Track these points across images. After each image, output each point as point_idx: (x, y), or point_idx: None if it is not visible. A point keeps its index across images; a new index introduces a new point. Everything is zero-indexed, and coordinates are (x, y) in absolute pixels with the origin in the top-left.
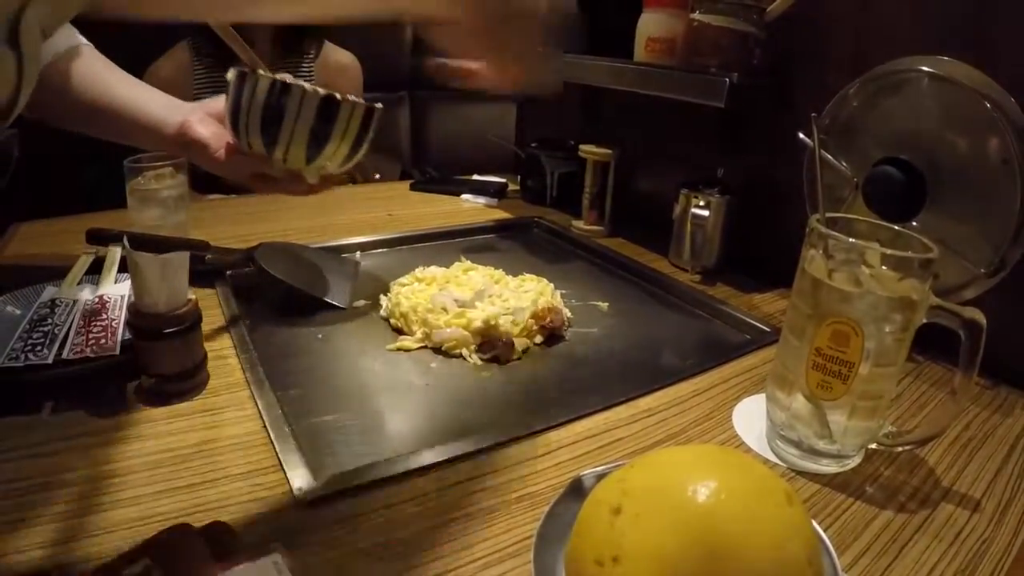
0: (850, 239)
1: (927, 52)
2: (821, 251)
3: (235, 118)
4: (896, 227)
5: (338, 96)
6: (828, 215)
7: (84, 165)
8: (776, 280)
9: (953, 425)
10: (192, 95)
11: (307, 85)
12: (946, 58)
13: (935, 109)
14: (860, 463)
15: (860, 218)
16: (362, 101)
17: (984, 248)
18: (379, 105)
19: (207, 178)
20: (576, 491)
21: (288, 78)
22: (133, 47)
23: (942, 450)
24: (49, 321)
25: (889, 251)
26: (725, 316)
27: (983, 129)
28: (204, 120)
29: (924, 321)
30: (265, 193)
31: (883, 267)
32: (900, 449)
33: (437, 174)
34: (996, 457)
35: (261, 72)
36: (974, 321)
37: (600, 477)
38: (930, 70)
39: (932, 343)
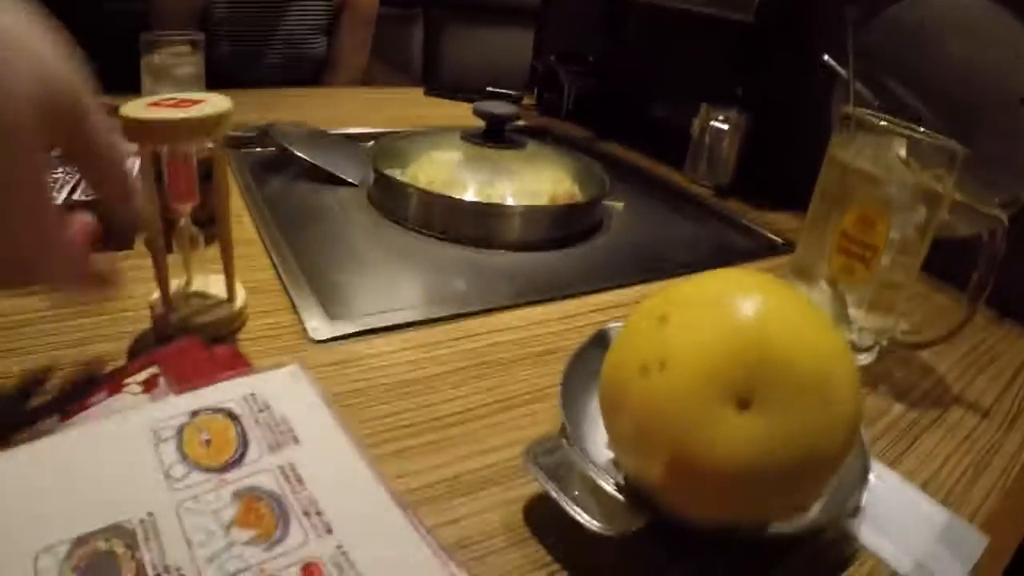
0: (882, 121)
1: None
2: (852, 136)
3: None
4: (921, 128)
5: None
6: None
7: (90, 48)
8: (789, 201)
9: (961, 344)
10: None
11: None
12: None
13: (955, 45)
14: (873, 362)
15: (887, 117)
16: None
17: (999, 186)
18: None
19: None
20: (601, 341)
21: None
22: None
23: (951, 362)
24: (59, 171)
25: (918, 135)
26: (738, 227)
27: (1003, 67)
28: None
29: (947, 217)
30: None
31: (910, 159)
32: (915, 345)
33: None
34: (1003, 376)
35: None
36: (995, 217)
37: None
38: (952, 6)
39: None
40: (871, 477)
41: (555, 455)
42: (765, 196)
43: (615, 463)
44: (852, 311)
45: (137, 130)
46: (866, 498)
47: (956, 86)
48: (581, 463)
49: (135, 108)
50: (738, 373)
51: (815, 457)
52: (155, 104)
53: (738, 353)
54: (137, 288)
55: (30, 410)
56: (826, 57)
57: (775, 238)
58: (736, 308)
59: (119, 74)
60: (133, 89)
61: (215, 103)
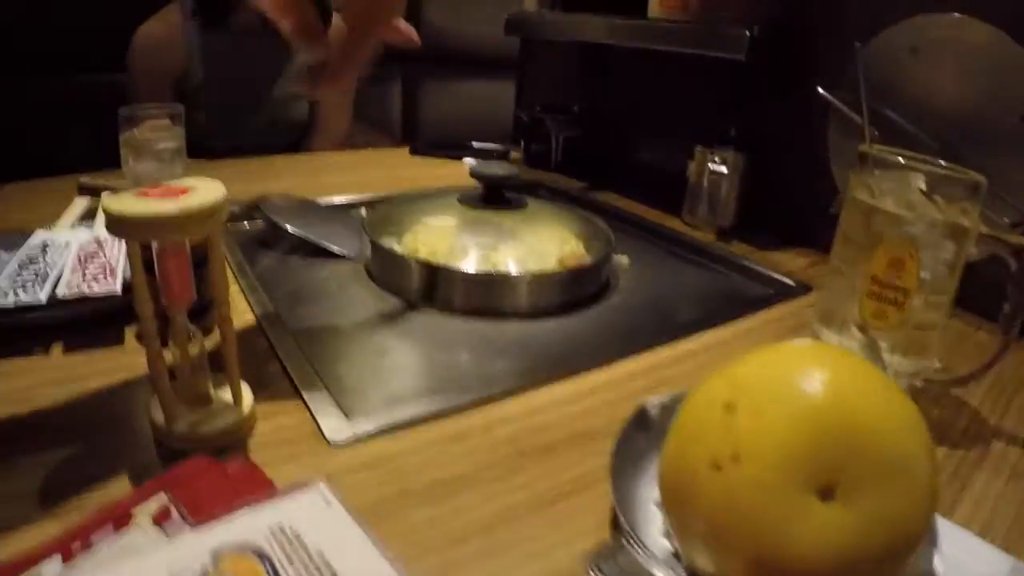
0: (901, 159)
1: (945, 10)
2: (872, 177)
3: None
4: (940, 160)
5: None
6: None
7: (71, 126)
8: (793, 238)
9: (988, 372)
10: (182, 57)
11: None
12: (957, 15)
13: (950, 67)
14: None
15: (903, 152)
16: None
17: (1006, 204)
18: None
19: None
20: (641, 420)
21: None
22: (123, 7)
23: (982, 393)
24: (40, 261)
25: (940, 171)
26: (747, 271)
27: (1000, 86)
28: None
29: (974, 250)
30: None
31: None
32: (952, 383)
33: None
34: None
35: None
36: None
37: (665, 406)
38: (944, 28)
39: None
40: None
41: (619, 560)
42: (767, 234)
43: (676, 555)
44: (886, 356)
45: (125, 226)
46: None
47: (953, 108)
48: (647, 565)
49: (121, 201)
50: (819, 460)
51: (904, 538)
52: (143, 194)
53: (818, 438)
54: (133, 394)
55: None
56: (820, 90)
57: (786, 280)
58: (807, 388)
59: (97, 147)
60: (113, 163)
61: (207, 190)
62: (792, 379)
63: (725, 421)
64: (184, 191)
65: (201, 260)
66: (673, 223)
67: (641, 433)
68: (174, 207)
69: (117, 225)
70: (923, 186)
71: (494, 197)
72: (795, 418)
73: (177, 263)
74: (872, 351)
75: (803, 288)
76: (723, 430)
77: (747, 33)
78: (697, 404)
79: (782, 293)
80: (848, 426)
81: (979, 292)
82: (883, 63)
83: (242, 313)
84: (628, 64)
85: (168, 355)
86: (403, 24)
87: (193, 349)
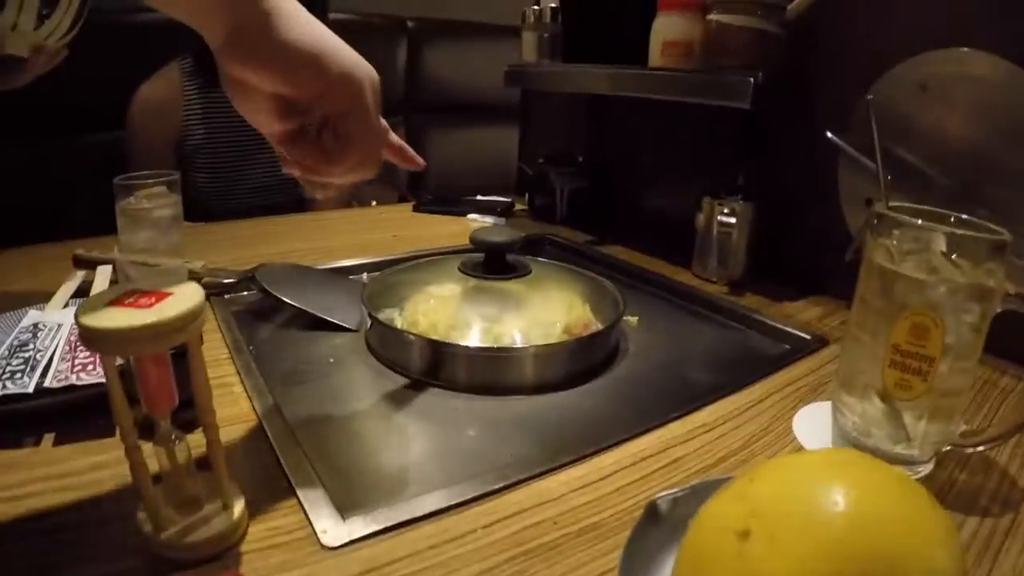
0: (918, 221)
1: (952, 45)
2: (890, 239)
3: None
4: (962, 215)
5: None
6: (891, 204)
7: (69, 191)
8: (805, 287)
9: None
10: (182, 117)
11: None
12: (965, 49)
13: (961, 102)
14: (933, 469)
15: (921, 207)
16: None
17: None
18: None
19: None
20: (653, 517)
21: None
22: (123, 68)
23: (1010, 451)
24: (31, 346)
25: (960, 232)
26: (761, 326)
27: (1013, 118)
28: None
29: (999, 310)
30: None
31: (953, 255)
32: (980, 448)
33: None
34: None
35: None
36: None
37: (676, 500)
38: (952, 63)
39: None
40: None
41: None
42: (779, 284)
43: None
44: (910, 424)
45: (100, 341)
46: None
47: (967, 143)
48: None
49: (93, 311)
50: None
51: None
52: (116, 301)
53: (839, 569)
54: (125, 490)
55: None
56: (829, 135)
57: (802, 334)
58: (826, 511)
59: (99, 206)
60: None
61: (185, 296)
62: (810, 501)
63: (740, 551)
64: (161, 297)
65: (183, 352)
66: (682, 276)
67: (652, 530)
68: (150, 318)
69: (91, 341)
70: (943, 246)
71: (495, 265)
72: (814, 547)
73: (156, 371)
74: (894, 420)
75: (819, 342)
76: (738, 561)
77: (752, 80)
78: (709, 528)
79: (798, 349)
80: (871, 552)
81: (1001, 334)
82: (892, 102)
83: (237, 398)
84: (632, 112)
85: (154, 459)
86: (408, 150)
87: (179, 452)
